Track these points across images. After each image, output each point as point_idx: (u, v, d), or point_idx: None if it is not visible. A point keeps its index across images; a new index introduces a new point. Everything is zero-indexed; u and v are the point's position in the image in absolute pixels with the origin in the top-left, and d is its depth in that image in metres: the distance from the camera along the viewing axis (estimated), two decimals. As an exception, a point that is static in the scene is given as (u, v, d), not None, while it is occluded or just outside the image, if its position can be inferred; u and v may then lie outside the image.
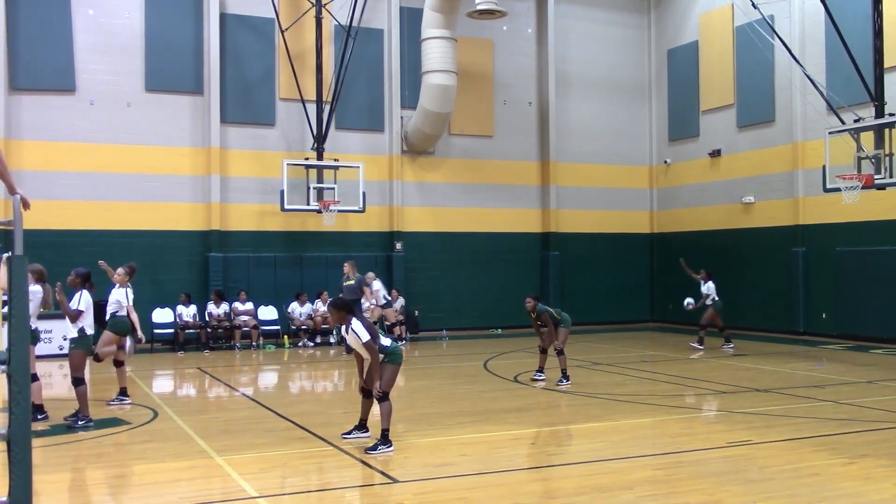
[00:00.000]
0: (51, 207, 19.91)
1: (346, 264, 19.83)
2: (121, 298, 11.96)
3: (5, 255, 4.56)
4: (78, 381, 10.68)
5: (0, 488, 5.57)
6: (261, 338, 20.90)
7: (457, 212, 24.85)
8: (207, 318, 20.66)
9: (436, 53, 22.93)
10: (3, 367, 4.46)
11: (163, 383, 15.85)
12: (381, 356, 9.17)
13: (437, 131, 23.93)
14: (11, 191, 4.88)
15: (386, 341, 9.31)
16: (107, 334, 12.04)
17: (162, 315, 20.79)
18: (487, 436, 9.85)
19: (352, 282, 19.38)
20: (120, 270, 12.16)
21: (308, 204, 22.19)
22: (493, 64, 25.58)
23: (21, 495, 4.15)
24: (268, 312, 21.69)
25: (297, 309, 21.41)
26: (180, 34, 22.02)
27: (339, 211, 22.16)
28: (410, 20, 23.96)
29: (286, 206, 21.89)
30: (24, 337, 4.46)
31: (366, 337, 9.02)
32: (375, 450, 8.86)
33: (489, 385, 14.31)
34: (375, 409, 9.23)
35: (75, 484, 8.15)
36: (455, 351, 20.52)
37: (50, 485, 7.73)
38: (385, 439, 8.98)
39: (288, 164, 21.88)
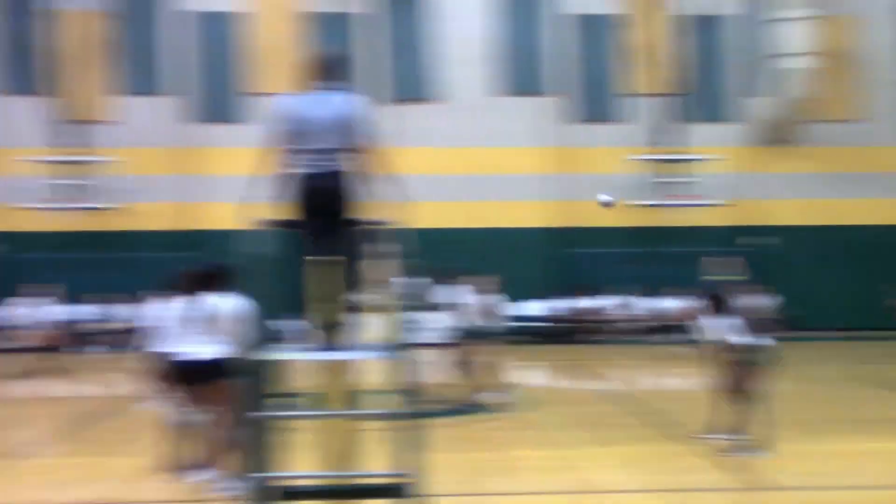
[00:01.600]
0: (423, 209, 21.36)
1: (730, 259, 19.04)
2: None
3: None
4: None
5: (394, 464, 6.06)
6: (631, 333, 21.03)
7: (826, 203, 22.92)
8: (575, 313, 21.12)
9: (792, 35, 21.42)
10: (393, 353, 4.85)
11: (531, 375, 16.28)
12: (746, 356, 8.68)
13: (797, 119, 22.32)
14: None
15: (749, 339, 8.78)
16: None
17: (531, 308, 21.43)
18: (874, 447, 8.93)
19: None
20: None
21: (653, 199, 21.80)
22: (862, 42, 23.20)
23: (413, 470, 4.49)
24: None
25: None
26: (528, 37, 22.67)
27: (691, 205, 21.51)
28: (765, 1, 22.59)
29: (639, 202, 21.69)
30: (409, 325, 4.85)
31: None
32: (741, 453, 8.44)
33: (875, 391, 13.02)
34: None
35: (447, 465, 8.63)
36: (831, 353, 18.90)
37: (431, 462, 8.22)
38: (750, 445, 8.53)
39: (633, 160, 21.68)
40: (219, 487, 7.04)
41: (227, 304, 7.14)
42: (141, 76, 22.03)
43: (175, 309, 7.29)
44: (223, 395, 6.93)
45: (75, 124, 21.10)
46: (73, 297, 20.11)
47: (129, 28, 21.89)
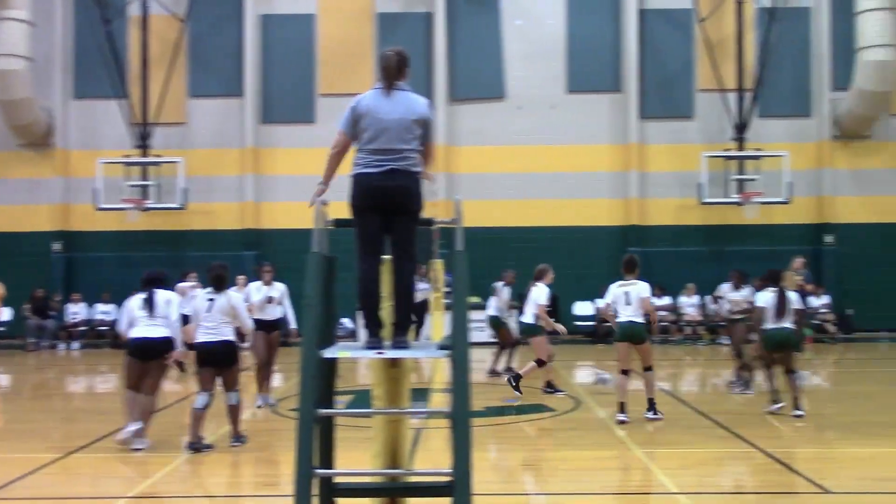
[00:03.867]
0: (484, 207, 21.49)
1: (798, 258, 18.53)
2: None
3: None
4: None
5: (445, 462, 6.18)
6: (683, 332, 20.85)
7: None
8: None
9: (873, 27, 20.87)
10: (448, 352, 4.93)
11: (584, 374, 16.38)
12: None
13: (875, 112, 21.76)
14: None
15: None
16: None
17: (582, 308, 21.47)
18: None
19: (800, 277, 18.15)
20: None
21: (728, 196, 21.50)
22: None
23: (463, 469, 4.57)
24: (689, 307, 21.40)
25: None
26: (600, 34, 22.55)
27: (762, 203, 21.16)
28: (842, -7, 22.09)
29: (705, 200, 21.42)
30: (466, 324, 4.91)
31: None
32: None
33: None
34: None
35: (501, 463, 8.76)
36: (897, 355, 18.52)
37: (484, 462, 8.38)
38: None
39: (707, 157, 21.39)
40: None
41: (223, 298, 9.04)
42: (209, 78, 22.60)
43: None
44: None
45: (147, 126, 21.74)
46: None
47: (200, 31, 22.45)
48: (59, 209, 22.32)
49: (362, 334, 5.47)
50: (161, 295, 9.22)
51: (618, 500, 7.34)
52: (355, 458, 6.93)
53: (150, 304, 9.10)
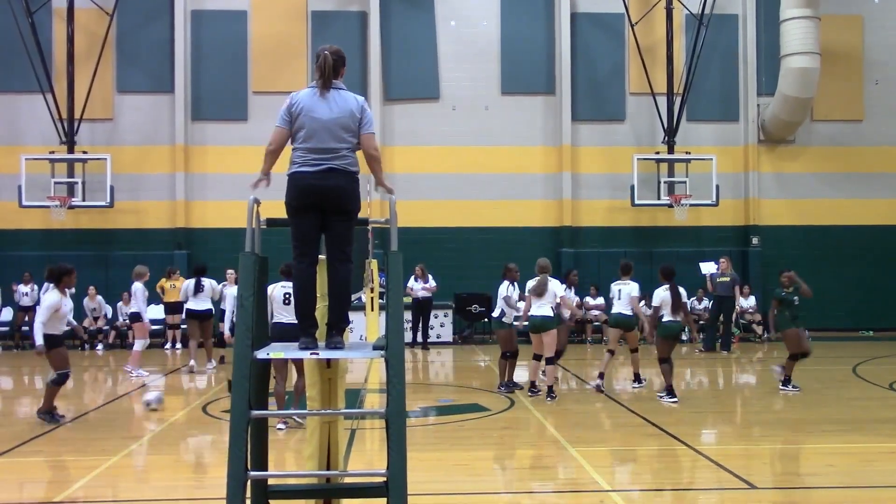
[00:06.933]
0: (418, 207, 21.51)
1: (722, 259, 19.03)
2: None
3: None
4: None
5: (380, 462, 6.17)
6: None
7: (820, 203, 23.02)
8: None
9: (796, 34, 21.50)
10: (382, 352, 4.91)
11: (518, 373, 16.47)
12: None
13: (798, 118, 22.42)
14: (388, 191, 5.35)
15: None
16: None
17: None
18: (857, 447, 9.06)
19: (726, 278, 18.65)
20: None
21: (658, 198, 21.92)
22: (863, 41, 23.35)
23: (397, 469, 4.56)
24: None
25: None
26: (533, 37, 22.75)
27: (691, 205, 21.62)
28: (768, 2, 22.67)
29: (636, 202, 21.79)
30: (400, 325, 4.91)
31: None
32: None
33: (860, 392, 13.15)
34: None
35: (436, 463, 8.77)
36: (819, 353, 19.02)
37: (419, 462, 8.38)
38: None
39: (638, 159, 21.76)
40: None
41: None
42: (138, 74, 22.12)
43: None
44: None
45: (73, 122, 21.14)
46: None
47: (128, 26, 21.95)
48: (-20, 207, 21.57)
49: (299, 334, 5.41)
50: (206, 281, 15.45)
51: (552, 498, 7.41)
52: (289, 460, 6.87)
53: (199, 286, 15.29)
